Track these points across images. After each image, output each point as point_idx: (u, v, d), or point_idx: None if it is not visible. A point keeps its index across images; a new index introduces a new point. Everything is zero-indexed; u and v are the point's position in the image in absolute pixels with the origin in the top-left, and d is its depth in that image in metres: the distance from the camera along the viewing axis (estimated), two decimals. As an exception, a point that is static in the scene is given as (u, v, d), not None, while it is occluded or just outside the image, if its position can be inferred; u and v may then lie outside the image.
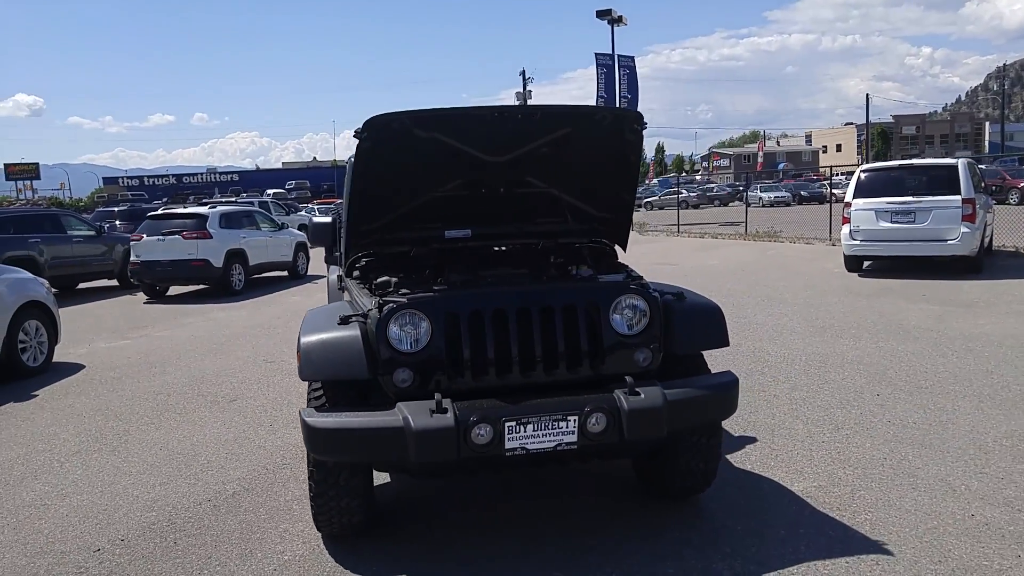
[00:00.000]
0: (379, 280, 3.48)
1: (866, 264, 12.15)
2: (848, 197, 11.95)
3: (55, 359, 7.57)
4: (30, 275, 7.48)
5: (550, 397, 2.95)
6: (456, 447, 2.76)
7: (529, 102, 53.72)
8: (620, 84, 32.66)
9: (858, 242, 11.51)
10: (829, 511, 3.46)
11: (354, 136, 3.25)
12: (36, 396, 6.33)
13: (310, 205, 37.31)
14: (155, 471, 4.31)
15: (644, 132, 3.52)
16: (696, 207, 43.19)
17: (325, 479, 3.07)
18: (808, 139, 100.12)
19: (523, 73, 55.94)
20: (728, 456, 4.19)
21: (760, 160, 72.56)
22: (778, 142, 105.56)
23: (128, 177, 68.48)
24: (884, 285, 10.48)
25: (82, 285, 14.38)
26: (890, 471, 3.89)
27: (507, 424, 2.82)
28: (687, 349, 3.28)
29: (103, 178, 69.97)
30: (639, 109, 34.52)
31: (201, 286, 13.12)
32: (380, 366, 2.96)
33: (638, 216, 34.31)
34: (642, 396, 2.93)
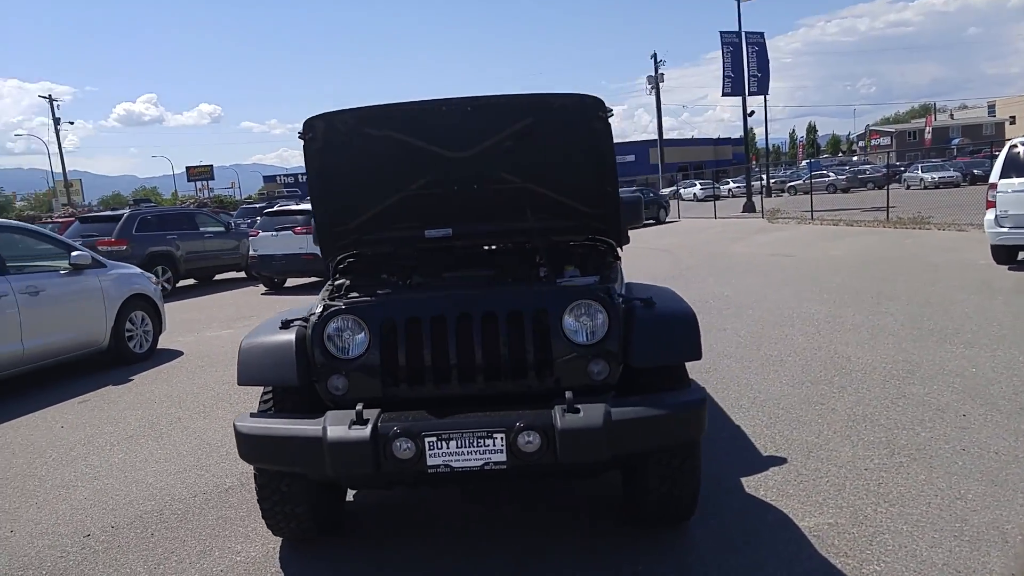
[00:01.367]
0: (337, 282, 3.42)
1: (1022, 255, 10.58)
2: (994, 177, 10.43)
3: (161, 346, 8.28)
4: (138, 270, 8.19)
5: (489, 411, 2.75)
6: (374, 461, 2.64)
7: (660, 86, 51.90)
8: (748, 63, 30.77)
9: (1006, 229, 10.02)
10: (834, 556, 2.96)
11: (298, 137, 3.21)
12: (131, 380, 6.93)
13: None
14: (179, 460, 4.54)
15: (611, 119, 3.19)
16: (845, 191, 39.99)
17: (267, 484, 3.06)
18: (991, 110, 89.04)
19: (654, 56, 54.48)
20: (744, 478, 3.74)
21: (928, 136, 65.58)
22: (952, 115, 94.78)
23: (285, 175, 74.18)
24: (1035, 280, 9.05)
25: (217, 277, 15.72)
26: (935, 511, 3.28)
27: (427, 439, 2.65)
28: (647, 362, 2.93)
29: (264, 176, 76.35)
30: (772, 87, 32.17)
31: (315, 278, 13.86)
32: (315, 372, 2.90)
33: (775, 202, 32.31)
34: (581, 414, 2.65)
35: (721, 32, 31.91)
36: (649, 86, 56.04)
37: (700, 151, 77.73)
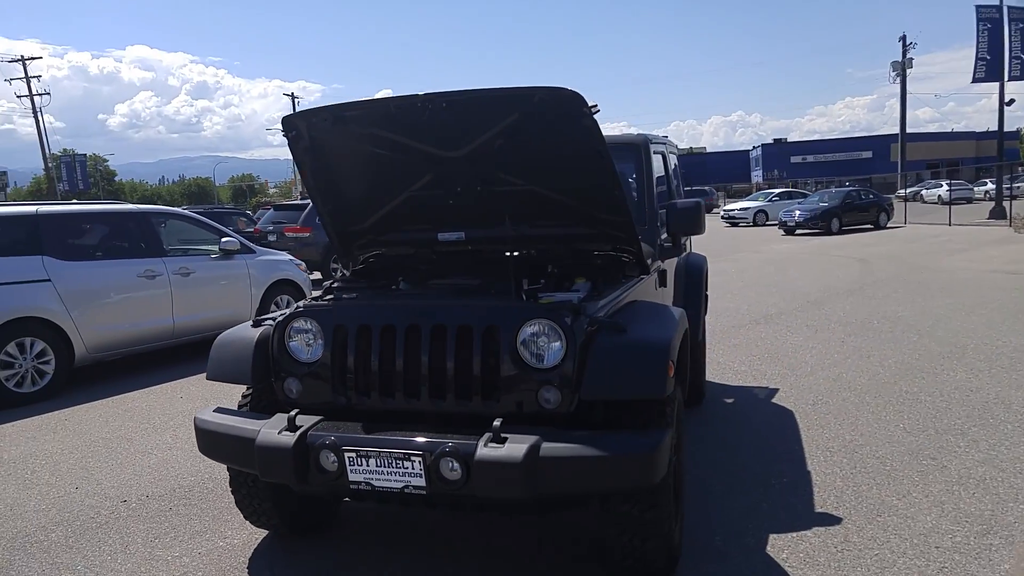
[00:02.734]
0: (325, 284, 3.44)
1: None
2: None
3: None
4: (287, 257, 8.93)
5: (430, 431, 2.58)
6: (298, 470, 2.58)
7: (909, 73, 46.11)
8: (1010, 42, 26.02)
9: None
10: (825, 654, 2.36)
11: (282, 135, 3.23)
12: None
13: None
14: (244, 439, 4.86)
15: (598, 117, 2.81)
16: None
17: (236, 477, 3.15)
18: None
19: (903, 38, 48.32)
20: (774, 536, 3.15)
21: None
22: None
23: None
24: None
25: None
26: (1002, 619, 2.48)
27: (347, 454, 2.54)
28: (597, 395, 2.55)
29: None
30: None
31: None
32: (274, 373, 2.92)
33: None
34: (504, 445, 2.39)
35: (977, 6, 27.25)
36: (893, 73, 49.86)
37: (956, 146, 67.72)
